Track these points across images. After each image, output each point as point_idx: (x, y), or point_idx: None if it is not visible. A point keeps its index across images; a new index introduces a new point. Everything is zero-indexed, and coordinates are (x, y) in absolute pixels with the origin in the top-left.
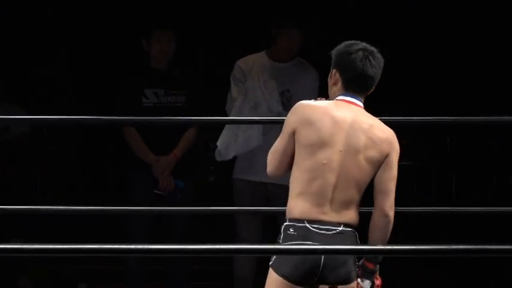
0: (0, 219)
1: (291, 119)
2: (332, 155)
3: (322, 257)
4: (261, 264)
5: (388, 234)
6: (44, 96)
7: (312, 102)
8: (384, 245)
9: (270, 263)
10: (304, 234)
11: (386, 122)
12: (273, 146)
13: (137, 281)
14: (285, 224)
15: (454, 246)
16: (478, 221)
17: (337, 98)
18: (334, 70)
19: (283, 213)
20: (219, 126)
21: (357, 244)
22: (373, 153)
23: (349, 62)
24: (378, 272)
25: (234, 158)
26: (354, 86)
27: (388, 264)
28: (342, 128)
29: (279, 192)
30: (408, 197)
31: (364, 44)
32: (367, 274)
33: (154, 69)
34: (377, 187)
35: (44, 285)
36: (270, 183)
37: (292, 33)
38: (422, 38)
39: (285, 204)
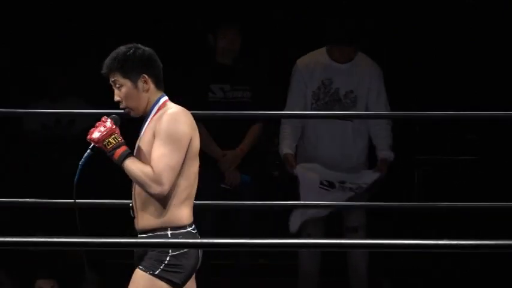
0: (64, 212)
1: (185, 130)
2: None
3: (200, 254)
4: (325, 259)
5: None
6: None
7: (181, 109)
8: None
9: (156, 272)
10: (192, 239)
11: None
12: (168, 161)
13: (202, 275)
14: (169, 233)
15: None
16: None
17: (162, 101)
18: (142, 77)
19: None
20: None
21: None
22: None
23: (149, 59)
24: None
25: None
26: (160, 80)
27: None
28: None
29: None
30: (473, 191)
31: (134, 44)
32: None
33: (220, 64)
34: None
35: (111, 279)
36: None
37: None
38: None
39: (354, 200)
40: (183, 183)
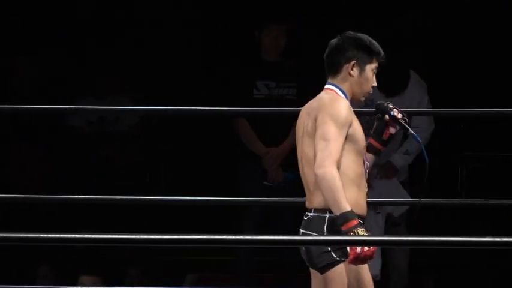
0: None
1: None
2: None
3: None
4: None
5: (330, 191)
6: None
7: None
8: (332, 202)
9: None
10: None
11: None
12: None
13: (248, 272)
14: None
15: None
16: None
17: None
18: None
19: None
20: None
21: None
22: (310, 125)
23: None
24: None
25: None
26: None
27: None
28: (302, 113)
29: None
30: None
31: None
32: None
33: (266, 60)
34: None
35: (153, 275)
36: None
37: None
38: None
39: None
40: None
